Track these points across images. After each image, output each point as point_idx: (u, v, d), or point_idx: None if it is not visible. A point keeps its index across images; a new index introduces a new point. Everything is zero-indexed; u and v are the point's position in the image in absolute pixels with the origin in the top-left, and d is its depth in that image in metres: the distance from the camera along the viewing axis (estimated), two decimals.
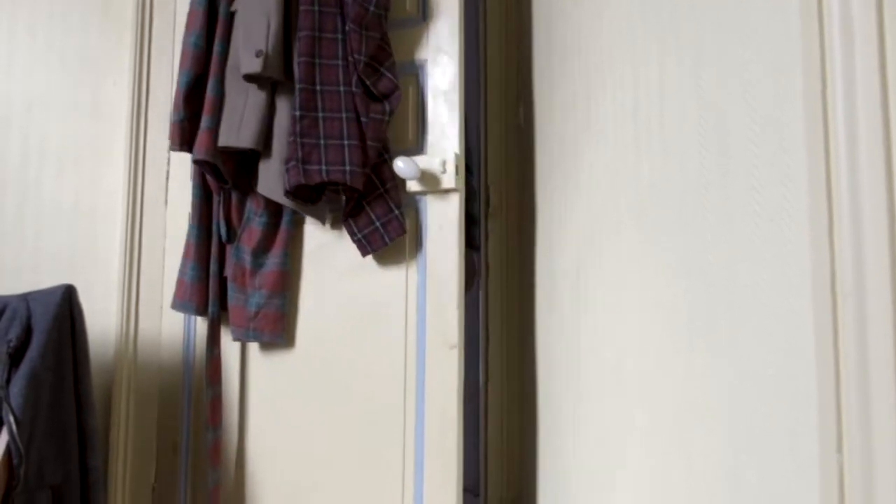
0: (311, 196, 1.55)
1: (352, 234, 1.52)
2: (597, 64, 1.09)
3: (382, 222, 1.49)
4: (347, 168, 1.46)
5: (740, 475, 0.60)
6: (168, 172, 1.85)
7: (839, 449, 0.42)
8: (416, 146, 1.56)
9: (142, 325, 1.84)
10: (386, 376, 1.44)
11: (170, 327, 1.81)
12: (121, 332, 1.83)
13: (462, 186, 1.47)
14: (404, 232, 1.48)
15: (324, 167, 1.47)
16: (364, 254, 1.51)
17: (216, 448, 1.67)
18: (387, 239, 1.49)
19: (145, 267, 1.80)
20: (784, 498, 0.53)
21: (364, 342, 1.50)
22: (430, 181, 1.46)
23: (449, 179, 1.45)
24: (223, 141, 1.56)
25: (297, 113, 1.48)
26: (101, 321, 1.83)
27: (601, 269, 1.05)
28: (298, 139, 1.47)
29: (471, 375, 2.04)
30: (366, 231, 1.50)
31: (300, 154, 1.46)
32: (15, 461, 1.36)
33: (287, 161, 1.49)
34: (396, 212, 1.49)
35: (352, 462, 1.46)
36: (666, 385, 0.78)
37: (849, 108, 0.42)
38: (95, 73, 1.90)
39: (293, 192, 1.51)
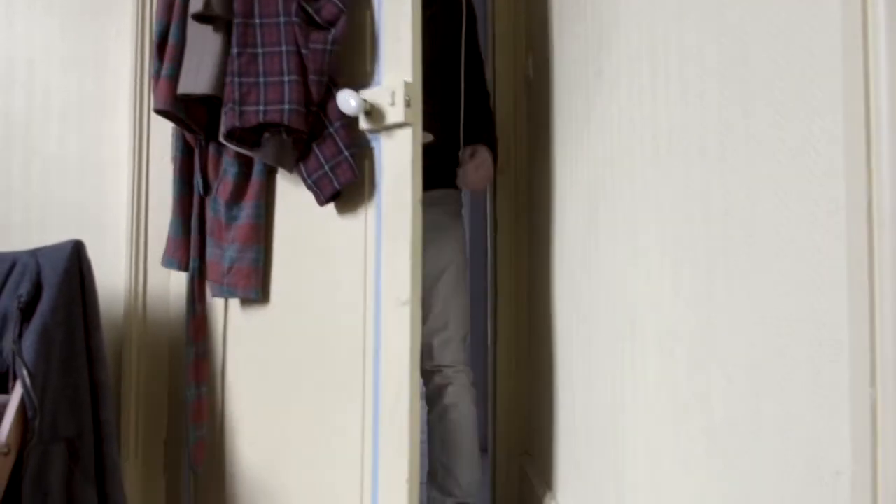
0: (257, 140, 1.42)
1: (304, 180, 1.39)
2: (610, 3, 1.06)
3: (331, 165, 1.34)
4: (286, 107, 1.32)
5: (762, 421, 0.59)
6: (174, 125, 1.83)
7: (872, 383, 0.41)
8: (375, 80, 1.36)
9: (150, 281, 1.84)
10: (349, 333, 1.36)
11: (178, 283, 1.81)
12: (130, 288, 1.83)
13: (416, 120, 1.28)
14: (355, 176, 1.32)
15: (261, 107, 1.34)
16: (319, 202, 1.38)
17: (199, 405, 1.66)
18: (336, 184, 1.34)
19: (153, 222, 1.79)
20: (808, 441, 0.53)
21: (331, 296, 1.42)
22: (377, 116, 1.29)
23: (397, 112, 1.26)
24: (182, 88, 1.46)
25: (235, 50, 1.36)
26: (110, 277, 1.83)
27: (615, 216, 1.04)
28: (236, 79, 1.35)
29: (478, 333, 2.04)
30: (315, 176, 1.36)
31: (237, 95, 1.35)
32: (29, 414, 1.37)
33: (224, 104, 1.37)
34: (346, 153, 1.32)
35: (323, 417, 1.42)
36: (682, 331, 0.77)
37: (892, 32, 0.40)
38: (97, 25, 1.87)
39: (237, 138, 1.39)
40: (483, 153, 1.67)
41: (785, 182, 0.56)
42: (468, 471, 1.61)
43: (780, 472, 0.56)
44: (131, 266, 1.82)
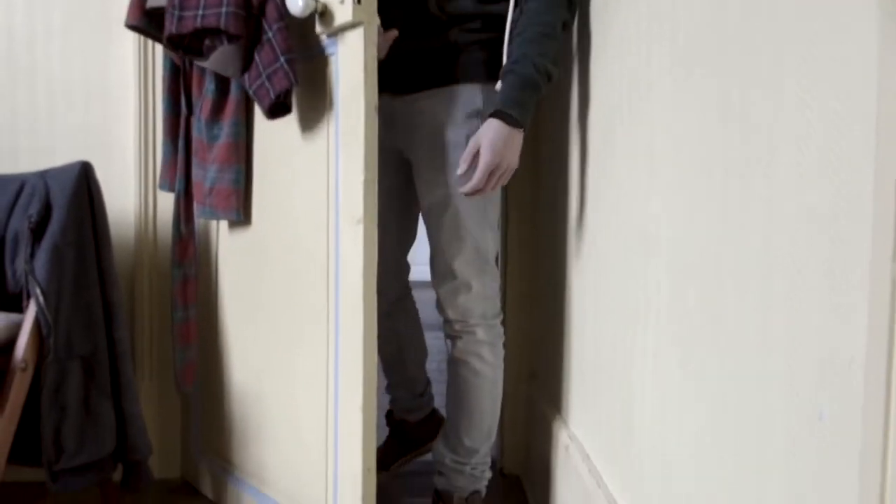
0: (199, 48, 1.36)
1: (247, 90, 1.33)
2: None
3: (268, 73, 1.26)
4: (223, 10, 1.24)
5: (769, 329, 0.59)
6: None
7: (895, 257, 0.40)
8: None
9: (160, 204, 1.84)
10: (316, 254, 1.34)
11: None
12: (139, 210, 1.83)
13: (370, 18, 1.16)
14: (290, 84, 1.23)
15: (200, 12, 1.27)
16: (267, 115, 1.30)
17: (187, 327, 1.68)
18: (272, 93, 1.26)
19: (160, 144, 1.77)
20: (818, 343, 0.52)
21: (301, 216, 1.39)
22: (328, 17, 1.18)
23: (346, 10, 1.15)
24: (151, 2, 1.41)
25: None
26: (120, 200, 1.83)
27: (631, 137, 1.02)
28: None
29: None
30: (255, 85, 1.29)
31: (177, 0, 1.30)
32: (44, 331, 1.39)
33: (165, 10, 1.32)
34: (282, 59, 1.23)
35: (296, 338, 1.42)
36: (696, 248, 0.76)
37: None
38: None
39: (185, 47, 1.34)
40: (490, 133, 1.21)
41: (810, 82, 0.54)
42: (473, 436, 1.45)
43: (792, 370, 0.56)
44: (140, 189, 1.81)
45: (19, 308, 1.48)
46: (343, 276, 1.26)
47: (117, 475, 1.76)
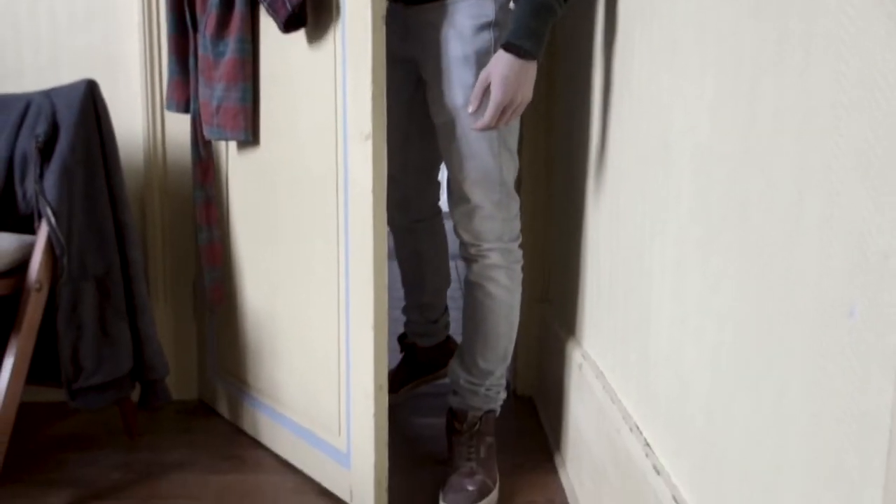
0: None
1: (262, 4, 1.29)
2: None
3: None
4: None
5: (800, 226, 0.57)
6: None
7: None
8: None
9: (168, 125, 1.81)
10: (325, 172, 1.31)
11: None
12: (147, 133, 1.80)
13: None
14: None
15: None
16: (280, 28, 1.27)
17: (212, 248, 1.68)
18: (288, 5, 1.22)
19: (167, 64, 1.73)
20: (852, 238, 0.50)
21: (309, 134, 1.36)
22: None
23: None
24: None
25: None
26: (128, 122, 1.80)
27: (652, 35, 0.97)
28: None
29: None
30: None
31: None
32: (57, 251, 1.39)
33: None
34: None
35: (307, 258, 1.41)
36: (721, 151, 0.73)
37: None
38: None
39: None
40: (501, 67, 1.15)
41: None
42: (488, 358, 1.42)
43: (822, 266, 0.54)
44: (147, 110, 1.78)
45: (31, 230, 1.48)
46: (352, 194, 1.23)
47: (135, 395, 1.79)
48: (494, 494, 1.36)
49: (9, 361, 1.33)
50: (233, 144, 1.61)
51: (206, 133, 1.51)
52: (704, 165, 0.78)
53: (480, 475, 1.37)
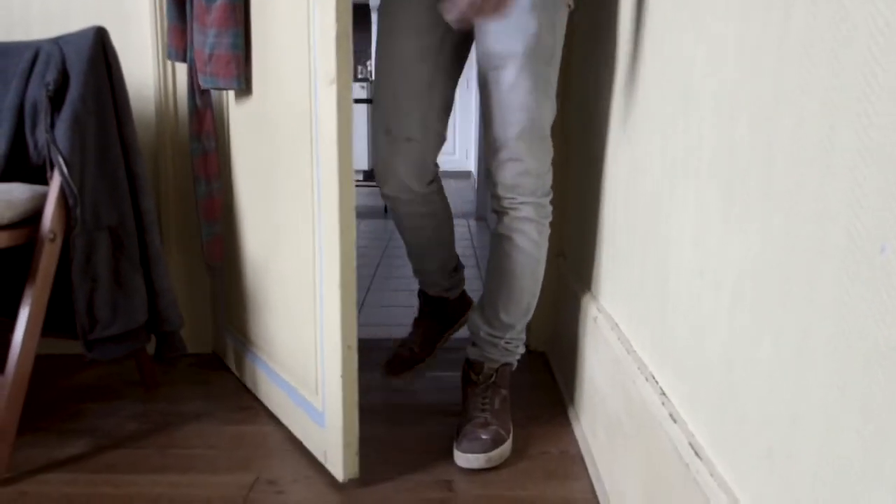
0: None
1: None
2: None
3: None
4: None
5: (831, 162, 0.54)
6: None
7: None
8: None
9: (180, 75, 1.78)
10: (302, 119, 1.27)
11: None
12: (158, 83, 1.78)
13: None
14: None
15: None
16: None
17: (211, 202, 1.66)
18: None
19: (166, 10, 1.70)
20: (887, 172, 0.48)
21: (290, 81, 1.32)
22: None
23: None
24: None
25: None
26: (138, 72, 1.78)
27: None
28: None
29: None
30: None
31: None
32: (70, 201, 1.39)
33: None
34: None
35: (290, 207, 1.38)
36: (746, 87, 0.71)
37: None
38: None
39: None
40: None
41: None
42: (511, 311, 1.41)
43: (853, 203, 0.52)
44: (158, 60, 1.76)
45: (43, 180, 1.47)
46: (321, 139, 1.18)
47: (150, 348, 1.81)
48: (508, 444, 1.37)
49: (25, 312, 1.33)
50: (232, 94, 1.58)
51: (201, 82, 1.47)
52: (729, 108, 0.75)
53: (494, 425, 1.37)
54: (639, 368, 1.05)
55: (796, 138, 0.60)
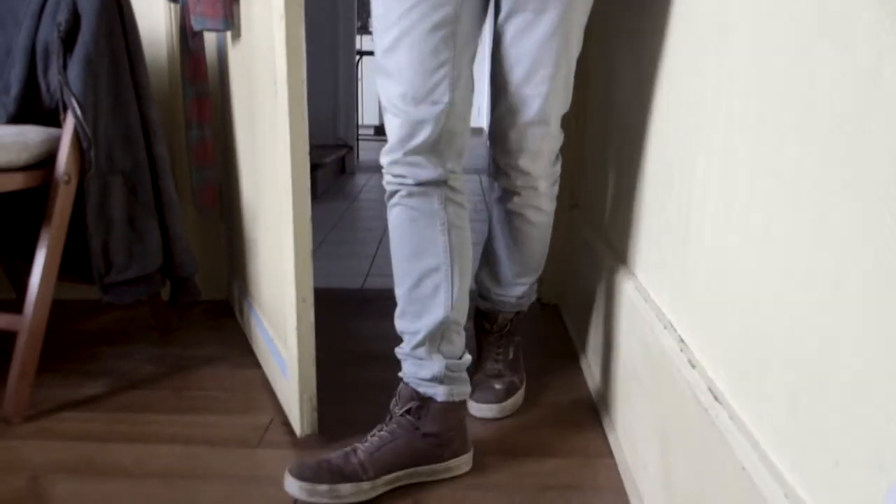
0: None
1: None
2: None
3: None
4: None
5: (881, 82, 0.53)
6: None
7: None
8: None
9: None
10: (268, 58, 1.23)
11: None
12: (169, 28, 1.75)
13: None
14: None
15: None
16: None
17: (203, 147, 1.64)
18: None
19: None
20: None
21: (259, 18, 1.28)
22: None
23: None
24: None
25: None
26: (150, 16, 1.75)
27: None
28: None
29: None
30: None
31: None
32: (84, 144, 1.38)
33: None
34: None
35: (267, 148, 1.35)
36: (787, 18, 0.69)
37: None
38: None
39: None
40: None
41: None
42: (522, 274, 1.37)
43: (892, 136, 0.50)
44: (169, 3, 1.73)
45: (56, 123, 1.46)
46: (278, 84, 1.15)
47: (165, 294, 1.81)
48: (521, 393, 1.37)
49: (41, 254, 1.34)
50: (229, 37, 1.55)
51: (192, 23, 1.45)
52: (766, 40, 0.73)
53: (507, 375, 1.38)
54: (657, 316, 1.05)
55: (838, 66, 0.59)
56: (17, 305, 1.41)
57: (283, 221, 1.20)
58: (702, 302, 0.89)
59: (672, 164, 1.03)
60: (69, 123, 1.37)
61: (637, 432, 1.10)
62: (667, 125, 1.07)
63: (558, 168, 1.30)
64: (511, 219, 1.32)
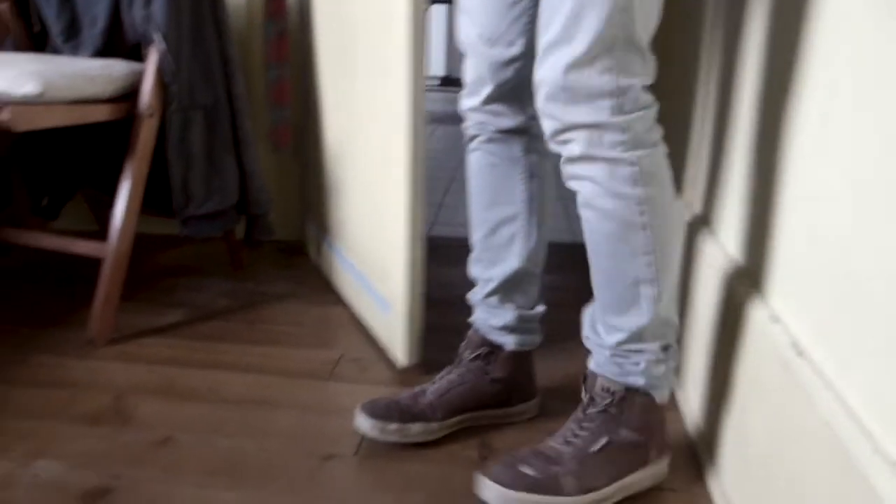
0: None
1: None
2: None
3: None
4: None
5: None
6: None
7: None
8: None
9: None
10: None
11: None
12: None
13: None
14: None
15: None
16: None
17: (281, 86, 1.65)
18: None
19: None
20: None
21: None
22: None
23: None
24: None
25: None
26: None
27: None
28: None
29: None
30: None
31: None
32: (167, 79, 1.40)
33: None
34: None
35: (375, 98, 1.33)
36: None
37: None
38: None
39: None
40: None
41: None
42: (608, 308, 0.95)
43: None
44: None
45: (139, 59, 1.49)
46: (395, 23, 1.14)
47: (239, 232, 1.86)
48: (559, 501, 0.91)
49: (126, 184, 1.38)
50: None
51: None
52: None
53: (559, 468, 0.92)
54: (737, 273, 1.02)
55: None
56: (101, 237, 1.47)
57: (392, 157, 1.20)
58: (787, 258, 0.86)
59: (763, 124, 0.99)
60: (152, 58, 1.40)
61: (708, 388, 1.08)
62: (749, 88, 1.02)
63: (640, 129, 0.85)
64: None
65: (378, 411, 1.06)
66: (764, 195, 0.96)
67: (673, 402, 1.21)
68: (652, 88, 0.89)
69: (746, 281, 0.98)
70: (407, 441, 1.06)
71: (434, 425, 1.08)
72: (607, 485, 0.94)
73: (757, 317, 0.90)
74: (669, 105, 1.52)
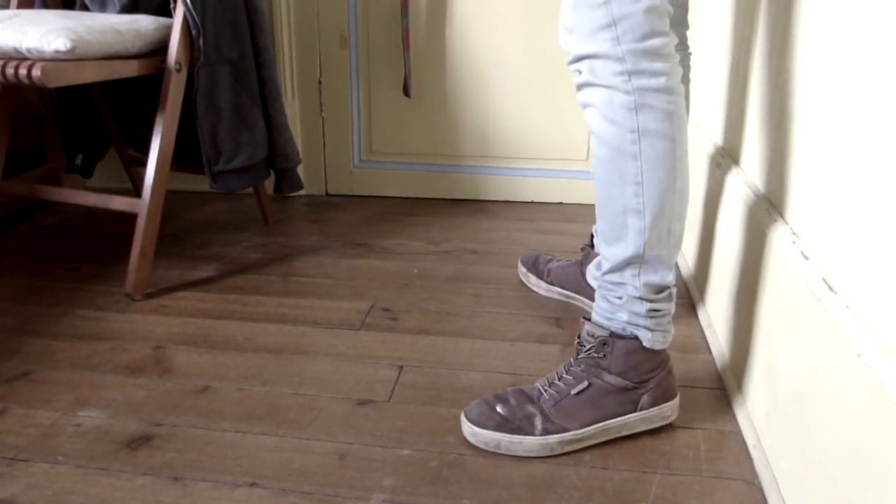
0: None
1: None
2: None
3: None
4: None
5: None
6: None
7: None
8: None
9: None
10: None
11: None
12: None
13: None
14: None
15: None
16: None
17: (407, 35, 1.73)
18: None
19: None
20: None
21: None
22: None
23: None
24: None
25: None
26: None
27: None
28: None
29: None
30: None
31: None
32: (194, 33, 1.41)
33: None
34: None
35: None
36: None
37: None
38: None
39: None
40: None
41: None
42: (605, 236, 0.94)
43: None
44: None
45: (166, 15, 1.50)
46: None
47: (268, 187, 1.87)
48: (530, 441, 0.95)
49: (156, 139, 1.40)
50: None
51: None
52: None
53: (532, 409, 0.96)
54: (767, 210, 1.01)
55: None
56: (135, 195, 1.49)
57: None
58: (816, 194, 0.85)
59: (806, 64, 0.97)
60: (179, 12, 1.40)
61: (738, 325, 1.08)
62: (799, 31, 0.99)
63: (643, 59, 0.84)
64: None
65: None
66: (788, 127, 0.95)
67: (704, 342, 1.21)
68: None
69: (773, 212, 0.97)
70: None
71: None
72: (581, 427, 0.95)
73: (784, 250, 0.89)
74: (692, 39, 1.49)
